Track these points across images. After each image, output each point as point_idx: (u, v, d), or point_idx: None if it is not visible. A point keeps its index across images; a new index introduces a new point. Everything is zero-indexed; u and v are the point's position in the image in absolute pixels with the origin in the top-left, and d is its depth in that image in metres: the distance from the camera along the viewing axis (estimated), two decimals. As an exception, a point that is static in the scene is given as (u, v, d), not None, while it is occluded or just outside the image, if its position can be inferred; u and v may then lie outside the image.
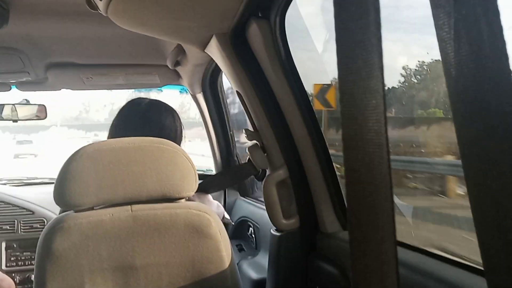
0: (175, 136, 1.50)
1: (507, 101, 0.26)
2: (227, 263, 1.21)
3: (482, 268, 0.28)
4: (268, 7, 1.18)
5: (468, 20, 0.26)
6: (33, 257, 2.27)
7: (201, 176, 1.31)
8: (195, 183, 1.22)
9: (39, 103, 2.43)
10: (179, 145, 1.45)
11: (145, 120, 1.44)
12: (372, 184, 0.29)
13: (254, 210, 2.15)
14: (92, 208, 1.16)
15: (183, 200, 1.24)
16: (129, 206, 1.16)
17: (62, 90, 2.35)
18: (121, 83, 2.25)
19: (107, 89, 2.39)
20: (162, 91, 2.62)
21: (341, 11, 0.30)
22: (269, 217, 1.41)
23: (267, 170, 1.47)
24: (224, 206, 2.49)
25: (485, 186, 0.28)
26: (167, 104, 1.54)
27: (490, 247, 0.28)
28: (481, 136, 0.27)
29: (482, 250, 0.29)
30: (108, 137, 1.43)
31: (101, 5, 1.13)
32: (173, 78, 2.25)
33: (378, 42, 0.28)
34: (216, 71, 2.13)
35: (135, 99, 1.52)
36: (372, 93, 0.28)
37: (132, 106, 1.50)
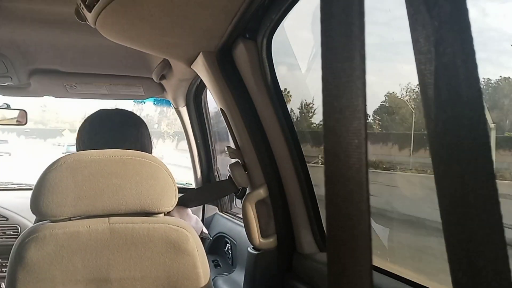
0: (149, 147, 1.48)
1: (483, 150, 0.27)
2: (203, 280, 1.20)
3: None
4: (256, 29, 1.20)
5: (448, 68, 0.28)
6: (4, 264, 2.22)
7: (180, 190, 1.30)
8: (175, 198, 1.22)
9: (20, 108, 2.40)
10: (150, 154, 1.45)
11: (122, 132, 1.40)
12: (351, 219, 0.30)
13: (232, 226, 2.15)
14: (69, 219, 1.15)
15: (161, 215, 1.23)
16: (107, 219, 1.15)
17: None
18: (105, 93, 2.24)
19: (90, 99, 2.37)
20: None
21: (328, 52, 0.31)
22: (247, 235, 1.42)
23: (247, 188, 1.48)
24: (202, 220, 2.48)
25: (461, 235, 0.29)
26: (137, 115, 1.51)
27: (460, 278, 0.30)
28: (458, 183, 0.29)
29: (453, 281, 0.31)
30: (79, 149, 1.39)
31: (89, 17, 1.13)
32: (158, 91, 2.25)
33: (363, 86, 0.29)
34: (201, 87, 2.14)
35: (106, 109, 1.48)
36: (354, 133, 0.29)
37: (105, 117, 1.45)
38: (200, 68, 1.39)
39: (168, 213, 1.38)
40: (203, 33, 1.21)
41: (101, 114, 1.45)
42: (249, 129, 1.35)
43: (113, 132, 1.38)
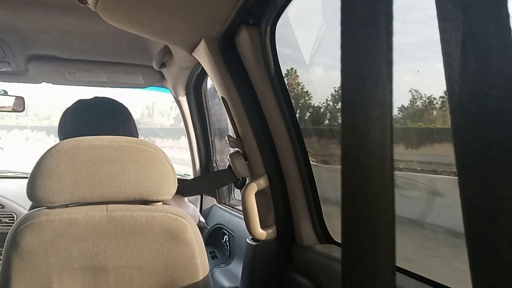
0: (136, 135, 1.46)
1: (509, 124, 0.25)
2: (200, 270, 1.19)
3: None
4: (260, 15, 1.18)
5: (478, 36, 0.26)
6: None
7: (178, 180, 1.27)
8: (174, 186, 1.20)
9: (17, 95, 2.37)
10: None
11: (110, 125, 1.38)
12: (370, 197, 0.28)
13: (230, 218, 2.14)
14: (66, 206, 1.13)
15: (160, 203, 1.21)
16: (105, 206, 1.13)
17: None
18: (104, 81, 2.21)
19: (89, 86, 2.34)
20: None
21: (348, 18, 0.29)
22: (246, 226, 1.40)
23: (247, 178, 1.46)
24: (200, 211, 2.47)
25: (481, 208, 0.27)
26: (121, 104, 1.49)
27: (483, 274, 0.28)
28: (480, 157, 0.27)
29: (473, 278, 0.29)
30: (62, 138, 1.36)
31: (90, 0, 1.11)
32: (157, 79, 2.22)
33: (388, 51, 0.27)
34: (202, 76, 2.12)
35: (86, 99, 1.44)
36: (377, 103, 0.27)
37: (89, 109, 1.42)
38: (202, 55, 1.36)
39: (164, 202, 1.36)
40: (206, 18, 1.18)
41: (83, 103, 1.43)
42: (250, 118, 1.33)
43: (98, 121, 1.37)
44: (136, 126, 1.47)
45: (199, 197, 2.49)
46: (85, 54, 2.03)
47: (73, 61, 2.06)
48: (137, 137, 1.44)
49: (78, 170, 1.10)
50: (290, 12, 1.20)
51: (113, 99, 1.47)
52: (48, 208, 1.12)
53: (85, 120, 1.38)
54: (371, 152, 0.28)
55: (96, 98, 1.45)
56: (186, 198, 1.61)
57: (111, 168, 1.12)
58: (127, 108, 1.47)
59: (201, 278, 1.19)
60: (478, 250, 0.28)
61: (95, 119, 1.37)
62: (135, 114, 1.53)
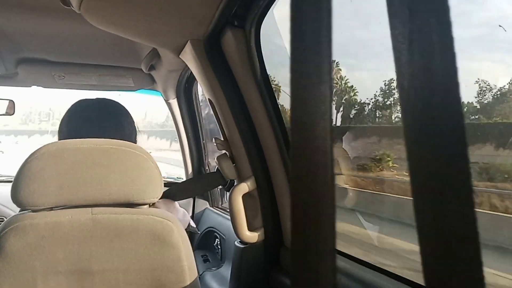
0: (133, 136, 1.44)
1: (454, 117, 0.25)
2: (188, 274, 1.18)
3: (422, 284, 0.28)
4: (244, 17, 1.17)
5: (422, 31, 0.26)
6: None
7: (170, 184, 1.27)
8: (160, 189, 1.19)
9: (9, 99, 2.36)
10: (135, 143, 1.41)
11: (99, 123, 1.36)
12: (316, 194, 0.28)
13: (222, 221, 2.13)
14: (50, 209, 1.12)
15: (146, 206, 1.21)
16: (90, 209, 1.12)
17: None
18: (94, 84, 2.20)
19: (79, 89, 2.33)
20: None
21: (296, 13, 0.28)
22: (233, 229, 1.39)
23: (235, 181, 1.46)
24: (192, 215, 2.46)
25: (432, 202, 0.27)
26: (120, 103, 1.47)
27: (431, 262, 0.28)
28: (429, 152, 0.27)
29: (423, 261, 0.29)
30: (61, 138, 1.35)
31: (74, 2, 1.10)
32: (148, 82, 2.22)
33: (329, 46, 0.27)
34: (192, 78, 2.11)
35: (85, 100, 1.43)
36: (321, 99, 0.27)
37: (83, 107, 1.41)
38: (188, 57, 1.36)
39: (154, 205, 1.35)
40: (191, 20, 1.18)
41: (80, 105, 1.41)
42: (237, 120, 1.32)
43: (90, 123, 1.34)
44: (135, 127, 1.45)
45: (191, 200, 2.48)
46: (74, 57, 2.02)
47: (63, 64, 2.05)
48: (135, 137, 1.43)
49: (63, 173, 1.10)
50: (276, 12, 1.20)
51: (111, 100, 1.45)
52: (33, 211, 1.11)
53: (80, 122, 1.36)
54: (317, 148, 0.27)
55: (94, 99, 1.43)
56: (176, 203, 1.60)
57: (96, 171, 1.11)
58: (124, 109, 1.45)
59: (188, 281, 1.18)
60: (427, 243, 0.28)
61: (89, 121, 1.36)
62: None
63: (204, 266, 2.04)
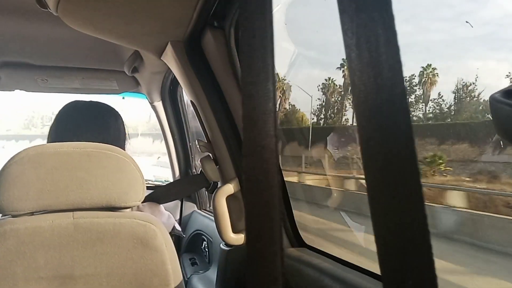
0: (121, 138, 1.43)
1: (401, 110, 0.25)
2: (172, 277, 1.17)
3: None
4: (223, 17, 1.17)
5: (367, 26, 0.25)
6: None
7: (157, 187, 1.26)
8: (143, 192, 1.18)
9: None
10: (124, 146, 1.40)
11: (85, 124, 1.35)
12: (268, 192, 0.27)
13: (209, 223, 2.12)
14: (31, 214, 1.11)
15: (128, 210, 1.20)
16: (71, 213, 1.11)
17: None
18: (77, 87, 2.18)
19: (63, 93, 2.31)
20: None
21: (244, 11, 0.28)
22: (218, 231, 1.38)
23: (218, 183, 1.45)
24: (180, 218, 2.45)
25: (386, 196, 0.27)
26: (110, 106, 1.46)
27: (386, 251, 0.28)
28: (380, 146, 0.26)
29: (379, 254, 0.28)
30: (49, 141, 1.34)
31: (50, 4, 1.09)
32: (132, 85, 2.20)
33: (271, 41, 0.26)
34: (176, 80, 2.10)
35: (73, 102, 1.42)
36: (269, 96, 0.27)
37: (72, 109, 1.40)
38: (170, 58, 1.35)
39: (138, 209, 1.34)
40: (170, 21, 1.17)
41: (68, 108, 1.40)
42: (220, 121, 1.31)
43: (77, 126, 1.33)
44: (124, 131, 1.44)
45: (179, 203, 2.47)
46: (57, 60, 2.00)
47: (45, 68, 2.03)
48: (124, 141, 1.42)
49: (43, 178, 1.08)
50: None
51: (101, 103, 1.44)
52: (13, 216, 1.10)
53: (67, 125, 1.35)
54: (268, 146, 0.27)
55: (83, 102, 1.42)
56: (161, 206, 1.59)
57: (77, 174, 1.10)
58: (114, 112, 1.44)
59: (173, 285, 1.17)
60: (382, 233, 0.28)
61: (76, 124, 1.35)
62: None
63: (192, 269, 2.03)
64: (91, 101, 1.43)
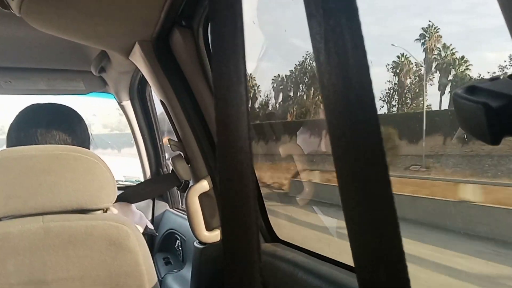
0: (86, 141, 1.38)
1: (369, 112, 0.26)
2: (146, 277, 1.17)
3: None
4: (191, 16, 1.17)
5: (335, 31, 0.26)
6: None
7: (123, 187, 1.24)
8: (114, 193, 1.17)
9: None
10: (89, 149, 1.37)
11: (48, 128, 1.28)
12: (243, 193, 0.28)
13: (182, 222, 2.11)
14: None
15: (100, 212, 1.18)
16: (41, 217, 1.09)
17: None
18: (43, 89, 2.14)
19: (27, 94, 2.26)
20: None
21: (215, 14, 0.29)
22: (191, 230, 1.38)
23: (190, 181, 1.45)
24: (152, 217, 2.44)
25: (357, 191, 0.28)
26: (72, 108, 1.40)
27: (359, 244, 0.29)
28: (350, 142, 0.28)
29: (352, 247, 0.30)
30: (8, 145, 1.27)
31: (13, 5, 1.07)
32: (99, 85, 2.17)
33: (243, 47, 0.27)
34: (144, 79, 2.08)
35: (35, 104, 1.36)
36: (241, 99, 0.27)
37: (32, 112, 1.34)
38: (138, 58, 1.34)
39: (109, 210, 1.33)
40: (137, 21, 1.16)
41: (29, 110, 1.34)
42: (190, 120, 1.31)
43: (40, 128, 1.27)
44: (88, 134, 1.39)
45: (151, 203, 2.46)
46: (21, 62, 1.95)
47: (8, 69, 1.98)
48: (88, 144, 1.38)
49: (10, 182, 1.06)
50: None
51: (62, 105, 1.38)
52: None
53: (29, 128, 1.28)
54: (242, 148, 0.28)
55: (44, 104, 1.36)
56: (133, 206, 1.58)
57: (45, 178, 1.08)
58: (77, 114, 1.39)
59: (147, 285, 1.17)
60: (355, 225, 0.29)
61: (39, 126, 1.28)
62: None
63: (165, 269, 2.03)
64: (52, 104, 1.37)
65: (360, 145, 0.26)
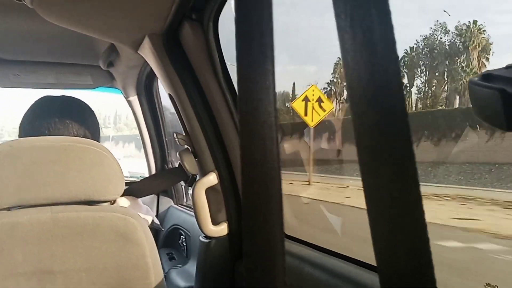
0: (97, 134, 1.40)
1: (395, 89, 0.26)
2: (152, 270, 1.17)
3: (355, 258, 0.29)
4: (201, 10, 1.17)
5: (362, 7, 0.27)
6: None
7: (130, 182, 1.25)
8: (121, 186, 1.18)
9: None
10: (98, 141, 1.38)
11: (62, 118, 1.30)
12: (265, 167, 0.28)
13: (186, 218, 2.12)
14: (8, 209, 1.09)
15: (107, 203, 1.19)
16: (49, 208, 1.10)
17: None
18: (51, 82, 2.14)
19: (36, 88, 2.27)
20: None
21: (242, 26, 0.29)
22: (198, 224, 1.39)
23: (197, 176, 1.45)
24: (157, 213, 2.44)
25: (378, 175, 0.28)
26: (84, 102, 1.42)
27: (381, 240, 0.29)
28: (374, 126, 0.28)
29: (374, 244, 0.30)
30: (20, 136, 1.29)
31: None
32: (107, 79, 2.18)
33: (272, 60, 0.27)
34: (152, 74, 2.09)
35: (48, 96, 1.38)
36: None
37: (47, 103, 1.36)
38: (147, 52, 1.34)
39: (116, 203, 1.33)
40: (147, 14, 1.17)
41: (44, 101, 1.37)
42: (198, 114, 1.32)
43: (54, 119, 1.30)
44: (99, 127, 1.42)
45: (155, 198, 2.46)
46: (30, 55, 1.97)
47: (17, 62, 1.99)
48: (99, 137, 1.40)
49: (20, 173, 1.07)
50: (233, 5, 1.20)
51: (76, 98, 1.40)
52: None
53: (43, 119, 1.30)
54: (263, 123, 0.28)
55: (58, 96, 1.39)
56: (139, 200, 1.58)
57: (54, 169, 1.09)
58: (89, 107, 1.41)
59: (153, 278, 1.17)
60: (378, 221, 0.29)
61: (53, 118, 1.30)
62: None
63: (169, 264, 2.03)
64: (66, 96, 1.40)
65: (384, 125, 0.27)
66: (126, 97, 2.33)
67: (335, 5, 0.29)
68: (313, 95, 3.72)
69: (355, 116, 0.29)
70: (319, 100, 3.72)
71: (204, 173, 1.38)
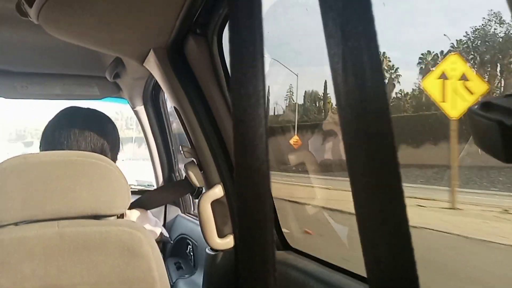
0: (116, 147, 1.42)
1: (387, 134, 0.26)
2: (159, 283, 1.17)
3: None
4: (206, 24, 1.18)
5: (353, 52, 0.27)
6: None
7: (141, 192, 1.25)
8: (128, 199, 1.18)
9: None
10: (117, 154, 1.40)
11: (83, 129, 1.33)
12: (260, 213, 0.28)
13: (194, 227, 2.12)
14: (16, 224, 1.10)
15: (114, 217, 1.19)
16: (56, 222, 1.10)
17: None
18: (58, 93, 2.16)
19: (43, 99, 2.29)
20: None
21: (234, 36, 0.29)
22: (204, 236, 1.39)
23: (203, 188, 1.45)
24: (164, 222, 2.44)
25: (371, 204, 0.28)
26: (104, 114, 1.45)
27: (372, 250, 0.29)
28: (366, 167, 0.28)
29: (364, 254, 0.30)
30: (43, 146, 1.32)
31: (31, 13, 1.08)
32: (113, 90, 2.20)
33: (263, 69, 0.27)
34: (158, 85, 2.09)
35: (73, 107, 1.41)
36: (259, 121, 0.28)
37: (69, 114, 1.38)
38: (152, 65, 1.35)
39: (125, 215, 1.34)
40: (152, 29, 1.17)
41: (66, 111, 1.39)
42: (204, 127, 1.32)
43: (74, 128, 1.32)
44: (119, 141, 1.44)
45: (163, 208, 2.47)
46: (37, 67, 1.99)
47: (25, 74, 2.01)
48: (118, 150, 1.42)
49: (27, 188, 1.07)
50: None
51: (98, 110, 1.43)
52: None
53: (65, 130, 1.33)
54: (258, 170, 0.28)
55: (81, 108, 1.41)
56: (149, 212, 1.59)
57: (61, 184, 1.09)
58: (110, 120, 1.43)
59: None
60: (368, 230, 0.29)
61: (74, 128, 1.33)
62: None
63: (177, 274, 2.03)
64: (88, 108, 1.43)
65: (376, 168, 0.27)
66: (133, 107, 2.34)
67: (329, 47, 0.29)
68: (453, 69, 2.39)
69: (348, 155, 0.29)
70: (464, 78, 2.36)
71: (209, 185, 1.38)
